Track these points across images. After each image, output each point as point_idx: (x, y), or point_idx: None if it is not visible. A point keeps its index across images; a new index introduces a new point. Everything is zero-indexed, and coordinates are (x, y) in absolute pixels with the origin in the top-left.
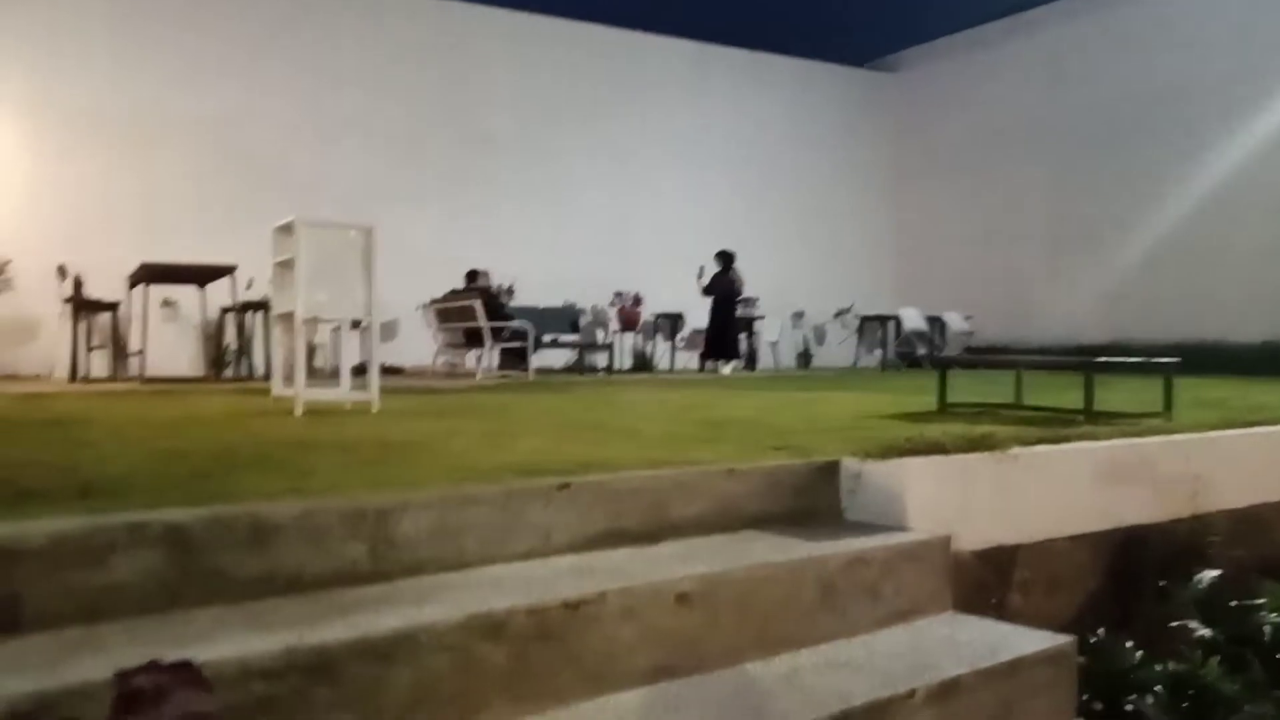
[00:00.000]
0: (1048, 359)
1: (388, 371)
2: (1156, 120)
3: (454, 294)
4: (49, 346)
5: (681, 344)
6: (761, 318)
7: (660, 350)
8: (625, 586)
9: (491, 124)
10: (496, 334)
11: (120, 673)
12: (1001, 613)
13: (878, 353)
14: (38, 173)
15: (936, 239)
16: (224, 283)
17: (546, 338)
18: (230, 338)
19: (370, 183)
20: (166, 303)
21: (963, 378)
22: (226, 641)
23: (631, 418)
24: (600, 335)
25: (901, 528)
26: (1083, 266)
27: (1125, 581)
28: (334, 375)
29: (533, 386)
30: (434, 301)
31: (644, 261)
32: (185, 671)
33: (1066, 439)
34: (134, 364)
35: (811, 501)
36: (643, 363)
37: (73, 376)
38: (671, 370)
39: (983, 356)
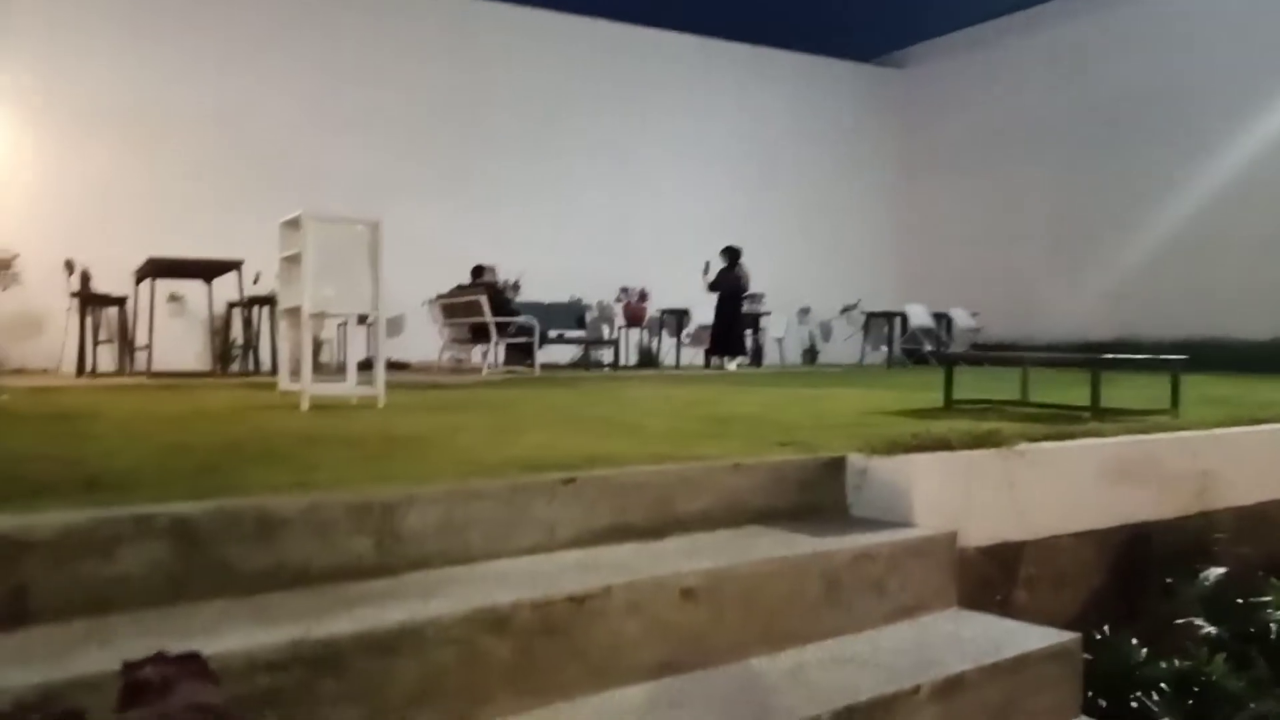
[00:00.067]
0: (1054, 356)
1: (394, 367)
2: (1163, 117)
3: (460, 289)
4: (56, 341)
5: (687, 340)
6: (767, 314)
7: (666, 346)
8: (630, 581)
9: (497, 118)
10: (502, 329)
11: (127, 664)
12: (1007, 609)
13: (884, 349)
14: (45, 167)
15: (943, 235)
16: (230, 277)
17: (552, 333)
18: (237, 332)
19: (377, 177)
20: (173, 297)
21: (969, 374)
22: (233, 634)
23: (637, 413)
24: (606, 331)
25: (907, 524)
26: (1089, 263)
27: (1131, 579)
28: (340, 370)
29: (538, 382)
30: (440, 297)
31: (649, 257)
32: (192, 663)
33: (1073, 436)
34: (141, 358)
35: (817, 497)
36: (648, 359)
37: (80, 371)
38: (677, 366)
39: (989, 353)
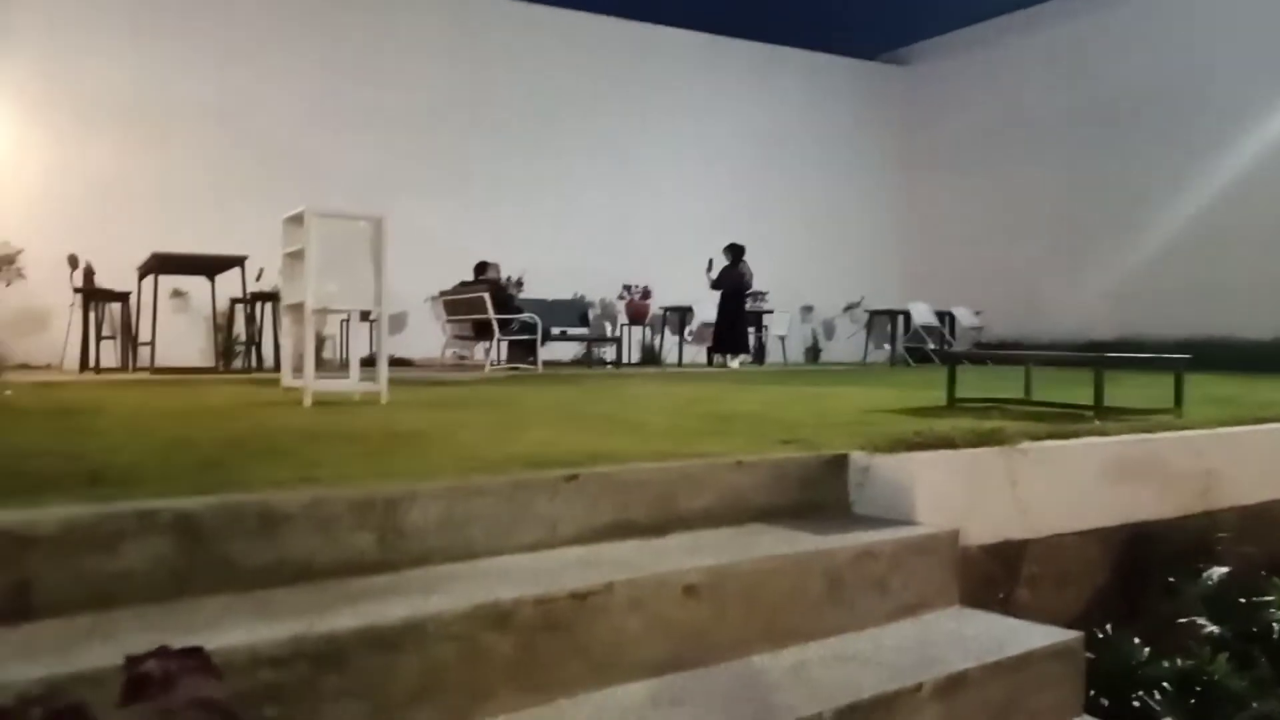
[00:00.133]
0: (1057, 355)
1: (396, 363)
2: (1166, 114)
3: (463, 286)
4: (59, 336)
5: (690, 337)
6: (770, 312)
7: (668, 344)
8: (632, 578)
9: (501, 115)
10: (505, 326)
11: (129, 658)
12: (1009, 608)
13: (886, 348)
14: (49, 163)
15: (946, 233)
16: (234, 273)
17: (555, 330)
18: (240, 328)
19: (380, 173)
20: (177, 293)
21: (972, 373)
22: (235, 629)
23: (639, 411)
24: (608, 328)
25: (909, 522)
26: (1092, 262)
27: (1133, 577)
28: (343, 366)
29: (541, 379)
30: (443, 293)
31: (652, 254)
32: (195, 658)
33: (1076, 434)
34: (144, 354)
35: (819, 495)
36: (650, 356)
37: (83, 366)
38: (679, 364)
39: (992, 352)
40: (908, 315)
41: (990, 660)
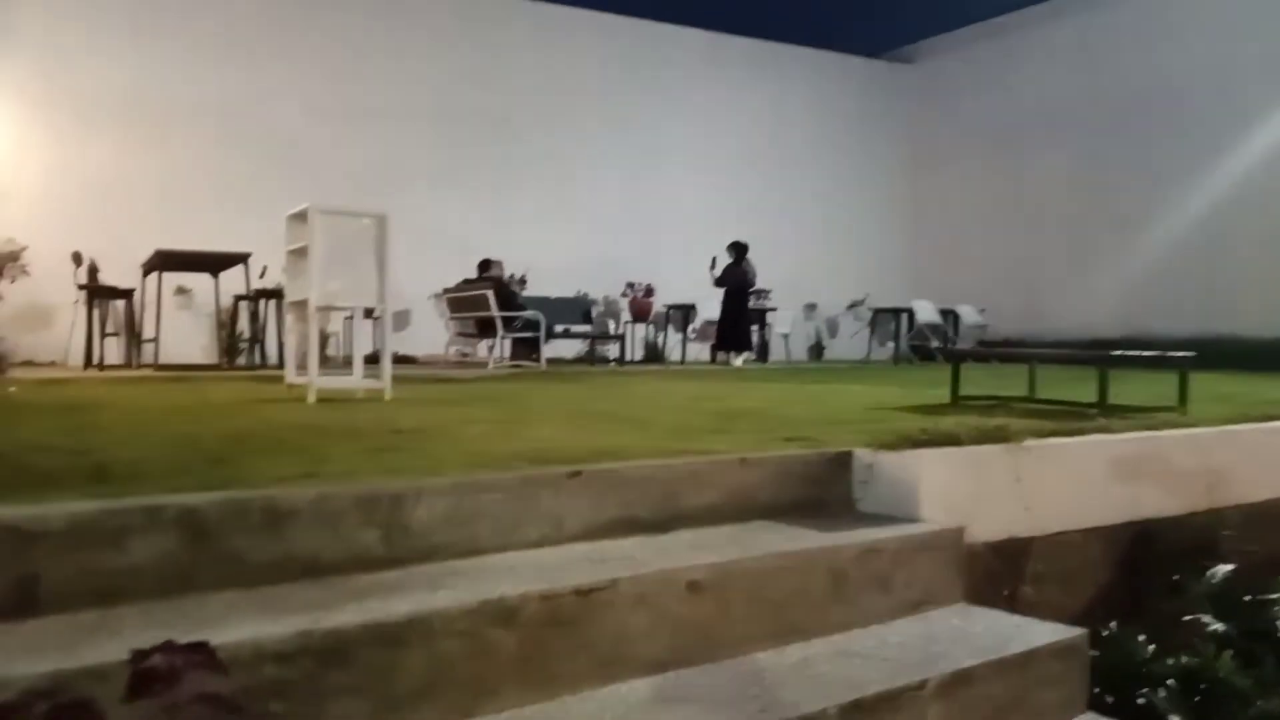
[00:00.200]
0: (1061, 353)
1: (400, 360)
2: (1171, 113)
3: (467, 283)
4: (64, 333)
5: (693, 335)
6: (774, 309)
7: (672, 341)
8: (637, 574)
9: (505, 113)
10: (508, 324)
11: (135, 653)
12: (1013, 605)
13: (890, 345)
14: (52, 160)
15: (951, 231)
16: (237, 270)
17: (558, 328)
18: (243, 325)
19: (383, 171)
20: (180, 290)
21: (976, 371)
22: (241, 625)
23: (643, 408)
24: (612, 326)
25: (914, 519)
26: (1098, 261)
27: (1138, 575)
28: (346, 363)
29: (544, 376)
30: (447, 291)
31: (656, 252)
32: (200, 653)
33: (1081, 432)
34: (148, 351)
35: (824, 492)
36: (654, 354)
37: (87, 363)
38: (683, 361)
39: (996, 350)
40: (911, 313)
41: (995, 657)
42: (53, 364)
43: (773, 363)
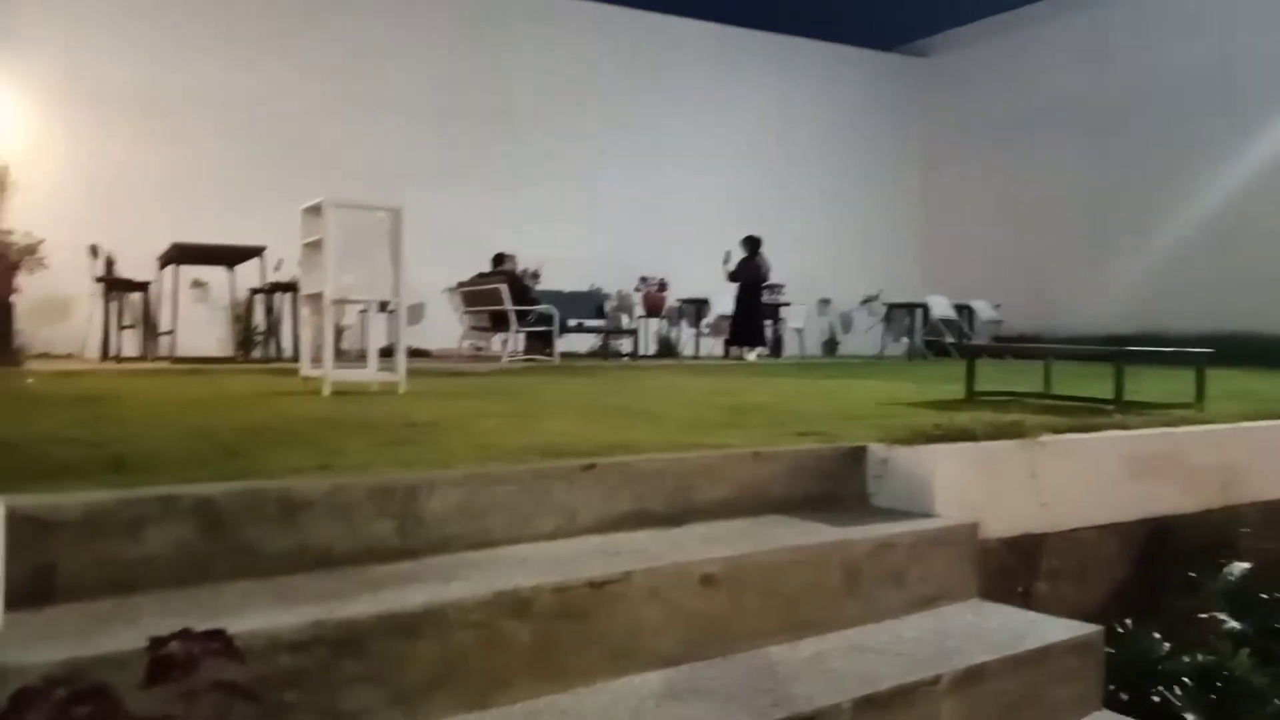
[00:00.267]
0: (1077, 348)
1: (414, 354)
2: (1189, 106)
3: (480, 277)
4: (81, 325)
5: (706, 330)
6: (787, 304)
7: (685, 336)
8: (650, 567)
9: (519, 107)
10: (522, 318)
11: (153, 640)
12: (1028, 601)
13: (904, 341)
14: (70, 153)
15: (965, 227)
16: (253, 263)
17: (572, 322)
18: (259, 319)
19: (398, 164)
20: (197, 283)
21: (991, 367)
22: (256, 614)
23: (656, 402)
24: (625, 320)
25: (928, 514)
26: (1113, 256)
27: (1154, 572)
28: (361, 357)
29: (558, 371)
30: (461, 285)
31: (669, 246)
32: (217, 641)
33: (1096, 428)
34: (164, 343)
35: (838, 486)
36: (667, 348)
37: (104, 355)
38: (696, 356)
39: (1011, 345)
40: (926, 308)
41: (1009, 653)
42: (70, 356)
43: (786, 358)
